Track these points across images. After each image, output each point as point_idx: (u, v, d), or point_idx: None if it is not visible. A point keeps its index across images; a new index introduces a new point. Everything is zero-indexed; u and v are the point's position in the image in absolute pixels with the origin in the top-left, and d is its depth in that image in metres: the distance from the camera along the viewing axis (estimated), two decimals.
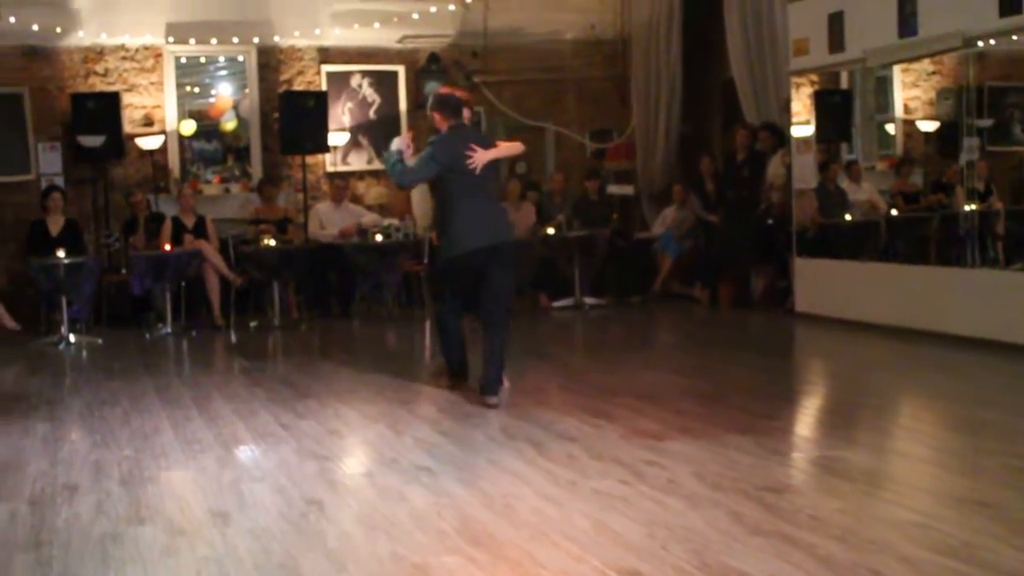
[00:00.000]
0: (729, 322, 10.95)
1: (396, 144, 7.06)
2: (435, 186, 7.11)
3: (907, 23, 9.10)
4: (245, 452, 5.77)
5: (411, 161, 7.04)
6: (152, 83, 12.70)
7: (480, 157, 6.93)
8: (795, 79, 10.78)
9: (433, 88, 13.55)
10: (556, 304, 12.02)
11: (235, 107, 13.11)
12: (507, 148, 7.27)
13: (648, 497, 4.59)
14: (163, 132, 12.60)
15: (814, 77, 10.97)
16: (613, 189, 13.50)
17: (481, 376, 6.88)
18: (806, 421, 6.50)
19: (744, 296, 11.53)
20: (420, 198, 13.09)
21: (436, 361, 8.13)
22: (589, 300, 12.07)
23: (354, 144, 13.43)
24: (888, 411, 6.50)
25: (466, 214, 6.90)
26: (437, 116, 7.10)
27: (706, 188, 12.37)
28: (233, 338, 10.70)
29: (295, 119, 12.28)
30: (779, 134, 11.21)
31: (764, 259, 11.37)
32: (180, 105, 12.83)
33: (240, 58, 13.18)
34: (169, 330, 10.86)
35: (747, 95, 11.88)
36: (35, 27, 12.09)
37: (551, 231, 12.05)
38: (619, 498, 4.59)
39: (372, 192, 13.44)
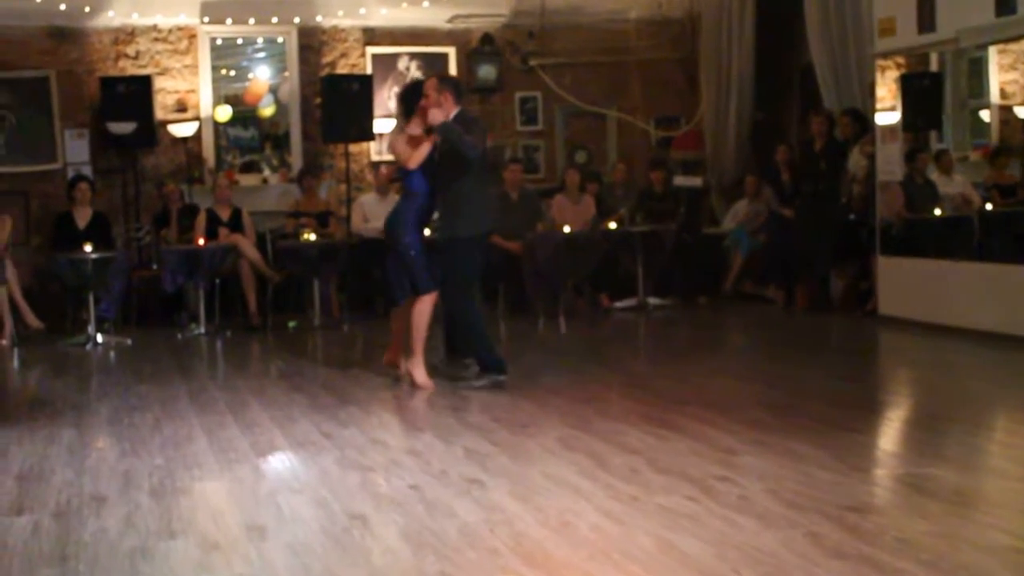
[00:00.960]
0: (806, 325, 10.86)
1: (440, 116, 7.49)
2: (442, 166, 7.66)
3: (1005, 1, 8.97)
4: (283, 462, 5.80)
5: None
6: (186, 66, 12.83)
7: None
8: (880, 62, 10.66)
9: (487, 71, 13.66)
10: (618, 304, 11.99)
11: (274, 92, 13.22)
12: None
13: (718, 515, 4.55)
14: (197, 118, 12.72)
15: (901, 60, 10.85)
16: (680, 181, 13.44)
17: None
18: (891, 434, 6.43)
19: (822, 297, 11.43)
20: None
21: (464, 370, 8.06)
22: (653, 300, 12.02)
23: (401, 131, 13.42)
24: (982, 425, 6.41)
25: (481, 196, 7.73)
26: (449, 97, 7.57)
27: (781, 180, 12.27)
28: (271, 339, 10.78)
29: (338, 104, 12.34)
30: (862, 121, 11.11)
31: (844, 257, 11.27)
32: (215, 90, 12.96)
33: (279, 39, 13.27)
34: (203, 330, 10.96)
35: (827, 79, 11.77)
36: (62, 6, 12.24)
37: (613, 226, 12.01)
38: (686, 516, 4.56)
39: None
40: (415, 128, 7.78)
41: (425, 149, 7.67)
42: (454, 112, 7.56)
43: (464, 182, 7.60)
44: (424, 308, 7.76)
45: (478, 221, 7.68)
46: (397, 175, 8.63)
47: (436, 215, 8.04)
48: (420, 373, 7.74)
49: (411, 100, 7.91)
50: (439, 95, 7.57)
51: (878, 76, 10.69)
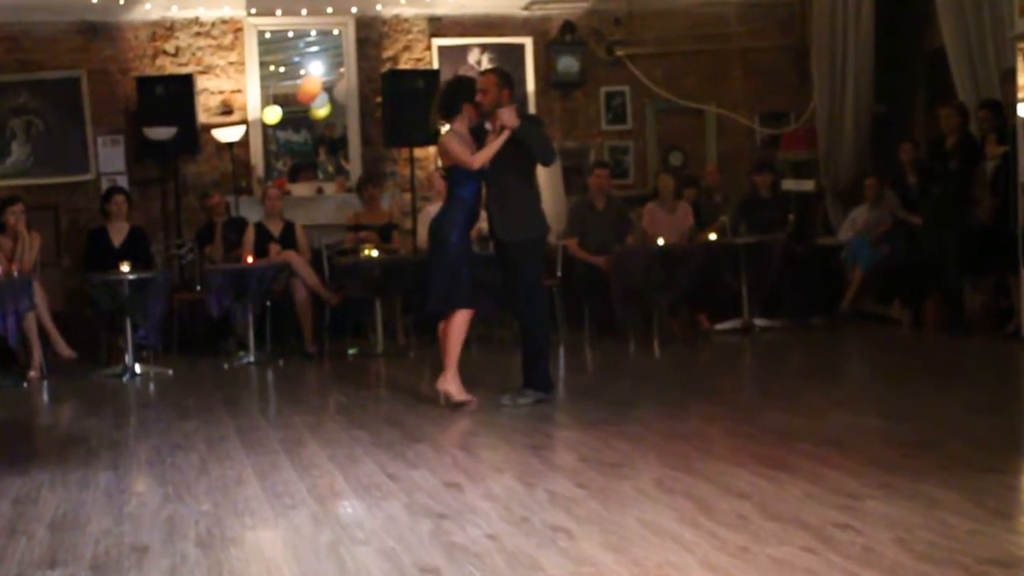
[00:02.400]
0: (937, 349, 10.73)
1: (511, 119, 7.99)
2: (509, 165, 8.12)
3: None
4: (345, 508, 5.83)
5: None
6: (231, 63, 13.01)
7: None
8: (1021, 45, 10.53)
9: (568, 64, 13.70)
10: (719, 327, 11.94)
11: (329, 90, 13.34)
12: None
13: (840, 568, 4.51)
14: (244, 121, 12.88)
15: None
16: (789, 185, 13.38)
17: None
18: None
19: (956, 317, 11.30)
20: (551, 196, 13.14)
21: (516, 395, 8.36)
22: (760, 322, 11.96)
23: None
24: None
25: (537, 201, 8.49)
26: (507, 93, 8.12)
27: (907, 182, 12.17)
28: (328, 369, 10.85)
29: (401, 104, 12.43)
30: (1001, 114, 10.99)
31: (981, 270, 11.14)
32: (264, 89, 13.12)
33: (335, 31, 13.41)
34: (252, 359, 11.08)
35: (960, 65, 11.65)
36: (94, 0, 12.45)
37: (713, 237, 11.98)
38: (803, 569, 4.53)
39: None
40: (461, 127, 8.25)
41: (494, 149, 8.05)
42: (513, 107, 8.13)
43: (521, 183, 8.24)
44: (462, 323, 8.28)
45: (539, 224, 8.37)
46: (443, 175, 8.96)
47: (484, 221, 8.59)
48: (456, 388, 8.28)
49: (455, 97, 8.33)
50: (499, 92, 8.03)
51: (1019, 61, 10.56)
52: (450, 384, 8.30)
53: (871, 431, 7.16)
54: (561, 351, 11.14)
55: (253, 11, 12.98)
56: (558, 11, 13.73)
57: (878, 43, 13.23)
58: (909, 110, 13.63)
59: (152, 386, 10.28)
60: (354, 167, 13.29)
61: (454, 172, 8.30)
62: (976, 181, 11.24)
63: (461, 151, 8.14)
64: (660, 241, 11.45)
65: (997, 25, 11.09)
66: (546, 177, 13.22)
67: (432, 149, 13.27)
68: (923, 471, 5.95)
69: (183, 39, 12.94)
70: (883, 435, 6.99)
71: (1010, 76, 10.74)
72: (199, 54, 12.96)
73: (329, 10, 13.19)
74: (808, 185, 13.53)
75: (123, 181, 12.48)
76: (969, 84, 11.60)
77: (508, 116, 7.97)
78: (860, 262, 12.35)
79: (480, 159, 8.07)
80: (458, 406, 8.27)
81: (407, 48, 13.44)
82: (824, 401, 8.26)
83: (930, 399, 8.20)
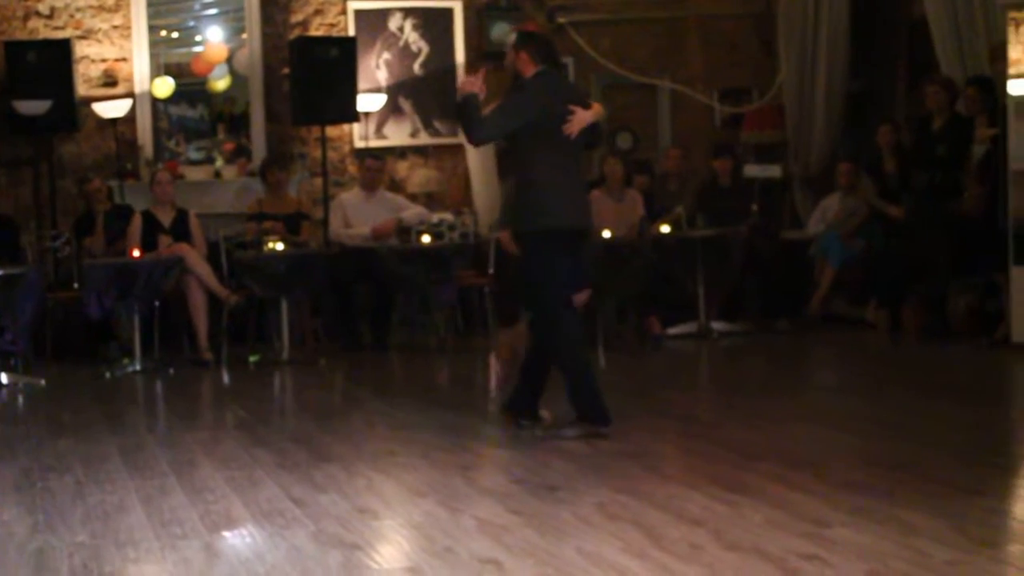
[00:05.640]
0: (917, 358, 10.83)
1: (467, 86, 7.57)
2: (510, 151, 7.84)
3: None
4: (243, 538, 5.81)
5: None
6: (115, 27, 12.91)
7: (580, 119, 7.51)
8: (1012, 14, 10.65)
9: (503, 31, 13.68)
10: (672, 331, 11.99)
11: (229, 60, 13.27)
12: (598, 111, 7.77)
13: None
14: (130, 94, 12.78)
15: None
16: (752, 171, 13.43)
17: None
18: None
19: (938, 321, 11.40)
20: (483, 184, 13.15)
21: (550, 421, 7.93)
22: (719, 326, 12.02)
23: (393, 110, 13.53)
24: None
25: (557, 187, 7.56)
26: (523, 56, 7.64)
27: (885, 169, 12.26)
28: (226, 379, 10.81)
29: (312, 76, 12.39)
30: (992, 93, 11.09)
31: (967, 270, 11.24)
32: (153, 57, 13.02)
33: None
34: (138, 367, 11.00)
35: (944, 38, 11.77)
36: None
37: (666, 229, 12.02)
38: None
39: (417, 176, 13.53)
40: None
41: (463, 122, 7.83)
42: (532, 73, 7.64)
43: (527, 165, 7.65)
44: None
45: (552, 214, 7.58)
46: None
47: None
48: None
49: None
50: (515, 55, 7.71)
51: (1010, 33, 10.68)
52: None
53: (842, 449, 7.20)
54: (492, 358, 11.14)
55: None
56: None
57: (853, 11, 13.34)
58: (888, 87, 13.73)
59: (21, 399, 10.17)
60: (257, 147, 13.23)
61: None
62: (965, 169, 11.33)
63: None
64: (606, 234, 11.47)
65: None
66: (475, 160, 13.26)
67: (348, 128, 13.27)
68: (899, 494, 6.00)
69: None
70: (855, 453, 7.04)
71: (1000, 50, 10.85)
72: (78, 16, 12.85)
73: None
74: (774, 171, 13.58)
75: None
76: (954, 58, 11.70)
77: (461, 85, 7.76)
78: (831, 258, 12.43)
79: (480, 133, 7.67)
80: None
81: (319, 12, 13.39)
82: (789, 415, 8.31)
83: (908, 413, 8.27)
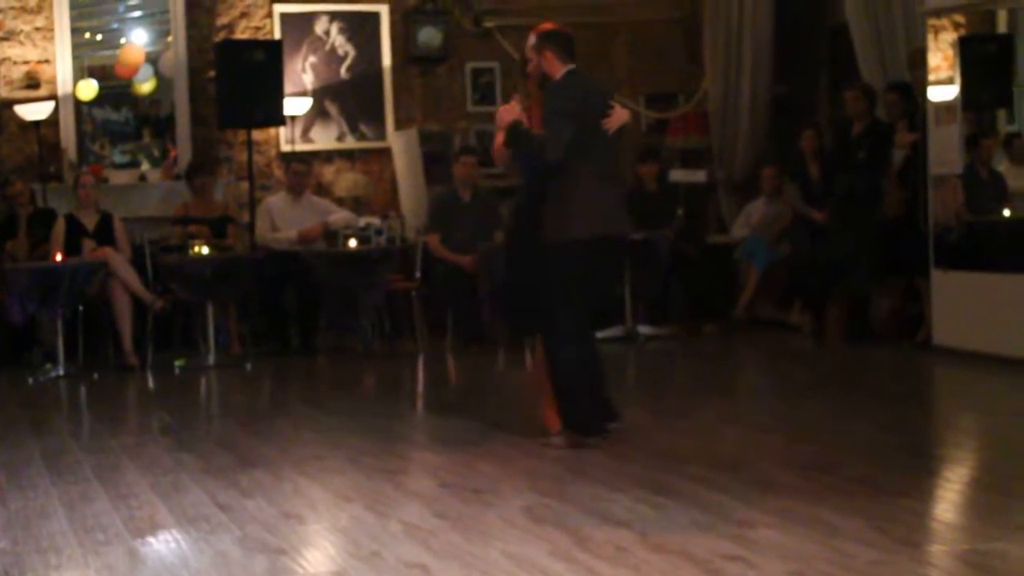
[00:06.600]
0: (840, 360, 10.91)
1: (505, 116, 7.32)
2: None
3: None
4: (168, 543, 5.76)
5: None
6: (37, 29, 12.79)
7: (618, 117, 7.39)
8: (932, 21, 10.75)
9: (429, 36, 13.69)
10: (599, 335, 11.94)
11: (153, 62, 13.18)
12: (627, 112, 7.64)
13: None
14: (53, 97, 12.66)
15: (959, 18, 10.94)
16: (677, 176, 13.49)
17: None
18: (950, 500, 6.46)
19: (861, 324, 11.49)
20: (410, 188, 13.13)
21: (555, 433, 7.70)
22: (645, 329, 12.06)
23: (319, 114, 13.48)
24: None
25: (600, 191, 7.32)
26: (548, 56, 7.38)
27: (809, 173, 12.34)
28: (151, 384, 10.73)
29: (238, 79, 12.31)
30: (911, 98, 11.19)
31: (889, 273, 11.34)
32: (77, 59, 12.91)
33: None
34: (61, 372, 10.90)
35: (865, 44, 11.87)
36: None
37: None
38: None
39: (344, 180, 13.49)
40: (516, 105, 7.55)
41: (497, 142, 7.57)
42: (562, 72, 7.37)
43: (567, 171, 7.28)
44: None
45: (587, 222, 7.28)
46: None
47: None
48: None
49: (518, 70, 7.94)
50: (539, 56, 7.39)
51: (930, 40, 10.78)
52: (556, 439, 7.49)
53: (766, 451, 7.23)
54: (420, 362, 11.13)
55: None
56: None
57: (777, 17, 13.42)
58: (811, 93, 13.82)
59: None
60: (183, 151, 13.14)
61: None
62: (885, 173, 11.43)
63: (498, 138, 7.63)
64: None
65: None
66: (402, 164, 13.24)
67: (274, 131, 13.22)
68: (823, 495, 6.04)
69: None
70: (780, 456, 7.07)
71: (920, 56, 10.95)
72: (0, 17, 12.72)
73: None
74: (698, 176, 13.65)
75: None
76: (875, 64, 11.80)
77: (500, 116, 7.39)
78: (756, 262, 12.51)
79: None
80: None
81: (244, 15, 13.32)
82: (715, 418, 8.34)
83: (832, 415, 8.32)
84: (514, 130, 7.27)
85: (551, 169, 7.22)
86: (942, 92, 10.71)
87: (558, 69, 7.36)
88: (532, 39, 7.53)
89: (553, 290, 7.34)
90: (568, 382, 7.43)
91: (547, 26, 7.60)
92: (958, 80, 10.66)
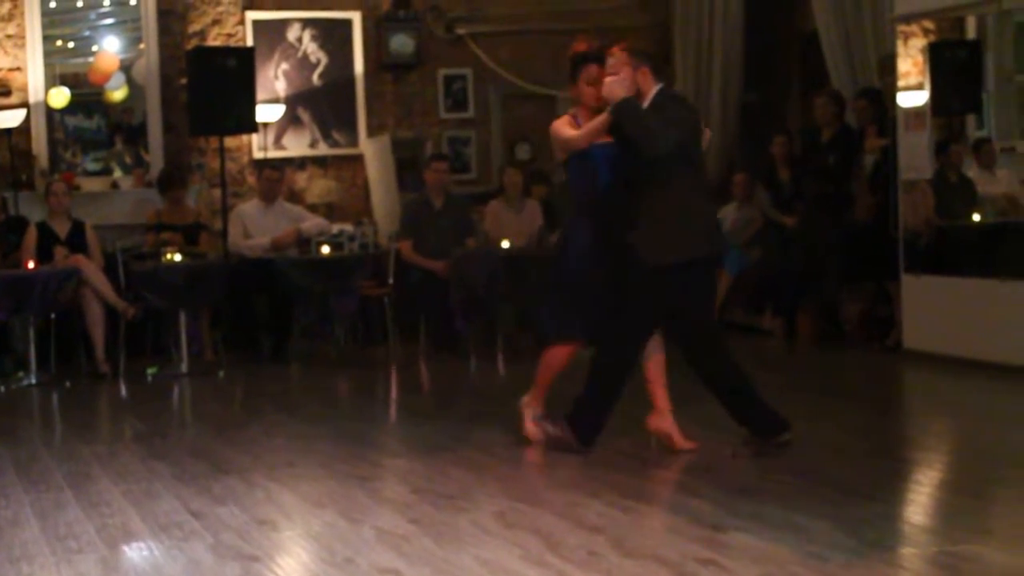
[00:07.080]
0: (811, 364, 10.93)
1: (616, 88, 7.08)
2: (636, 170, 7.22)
3: None
4: (141, 551, 5.75)
5: None
6: (8, 36, 12.74)
7: (707, 134, 7.51)
8: (902, 28, 10.79)
9: (401, 42, 13.67)
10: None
11: (126, 69, 13.15)
12: None
13: None
14: (25, 104, 12.62)
15: (929, 25, 10.99)
16: None
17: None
18: (920, 502, 6.48)
19: (832, 328, 11.52)
20: (383, 194, 13.12)
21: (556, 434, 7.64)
22: None
23: (292, 120, 13.46)
24: None
25: (699, 211, 7.31)
26: (644, 71, 7.22)
27: (780, 179, 12.38)
28: (124, 391, 10.69)
29: (210, 86, 12.27)
30: (882, 104, 11.23)
31: (859, 277, 11.37)
32: (48, 67, 12.86)
33: (133, 1, 13.22)
34: (33, 380, 10.86)
35: (835, 50, 11.91)
36: None
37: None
38: None
39: (316, 187, 13.47)
40: (577, 109, 7.51)
41: (592, 127, 7.33)
42: (655, 90, 7.22)
43: (651, 186, 7.15)
44: (564, 356, 7.60)
45: (678, 246, 7.14)
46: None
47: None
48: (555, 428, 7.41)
49: (574, 60, 7.65)
50: (635, 71, 7.19)
51: (899, 46, 10.82)
52: (549, 424, 7.47)
53: (738, 456, 7.26)
54: (393, 368, 11.11)
55: None
56: None
57: (748, 24, 13.46)
58: (782, 99, 13.87)
59: None
60: (155, 158, 13.10)
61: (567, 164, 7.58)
62: (854, 177, 11.47)
63: (560, 132, 7.46)
64: (505, 244, 11.48)
65: (876, 5, 11.33)
66: (374, 170, 13.23)
67: (247, 138, 13.19)
68: (795, 499, 6.06)
69: None
70: (752, 459, 7.10)
71: (889, 62, 11.00)
72: None
73: None
74: None
75: None
76: (845, 71, 11.84)
77: (608, 86, 7.11)
78: (728, 267, 12.49)
79: (576, 137, 7.27)
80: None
81: (217, 22, 13.29)
82: (687, 422, 8.33)
83: (803, 419, 8.31)
84: (628, 105, 7.04)
85: (647, 163, 7.01)
86: (912, 98, 10.76)
87: (652, 87, 7.22)
88: (623, 55, 7.24)
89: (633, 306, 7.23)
90: (600, 393, 7.37)
91: (639, 48, 7.40)
92: (927, 86, 10.72)
